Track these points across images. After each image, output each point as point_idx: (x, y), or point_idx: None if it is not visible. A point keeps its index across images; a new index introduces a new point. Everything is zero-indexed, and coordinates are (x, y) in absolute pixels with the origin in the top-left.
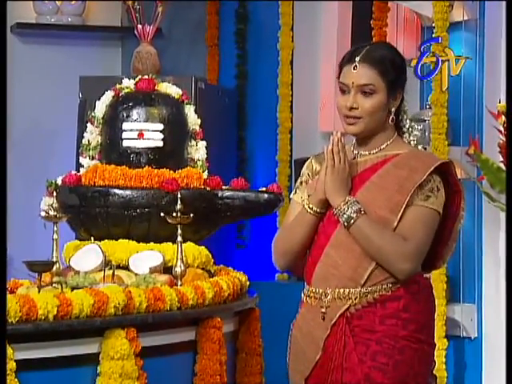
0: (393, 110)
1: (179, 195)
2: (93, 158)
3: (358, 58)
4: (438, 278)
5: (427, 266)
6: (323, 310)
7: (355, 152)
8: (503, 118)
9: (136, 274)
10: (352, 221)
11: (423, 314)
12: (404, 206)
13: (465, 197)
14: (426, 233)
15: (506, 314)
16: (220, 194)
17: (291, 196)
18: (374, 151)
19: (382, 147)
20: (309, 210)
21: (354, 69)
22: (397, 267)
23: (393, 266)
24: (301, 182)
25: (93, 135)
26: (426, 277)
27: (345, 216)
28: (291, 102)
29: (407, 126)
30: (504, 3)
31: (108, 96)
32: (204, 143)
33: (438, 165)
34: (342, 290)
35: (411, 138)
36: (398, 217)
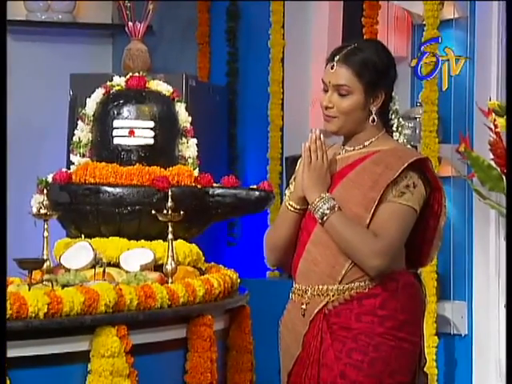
0: (373, 110)
1: (170, 193)
2: (83, 156)
3: (336, 58)
4: (428, 276)
5: (414, 263)
6: (303, 306)
7: (341, 148)
8: (493, 115)
9: (127, 272)
10: (325, 217)
11: (403, 311)
12: (376, 202)
13: (445, 194)
14: (398, 229)
15: (506, 314)
16: (211, 192)
17: (285, 192)
18: (358, 148)
19: (366, 144)
20: (289, 208)
21: (331, 68)
22: (367, 264)
23: (363, 263)
24: (294, 178)
25: (83, 133)
26: (410, 274)
27: (319, 212)
28: (282, 99)
29: (396, 125)
30: (495, 3)
31: (99, 93)
32: (195, 141)
33: (416, 162)
34: (320, 287)
35: (401, 137)
36: (371, 213)
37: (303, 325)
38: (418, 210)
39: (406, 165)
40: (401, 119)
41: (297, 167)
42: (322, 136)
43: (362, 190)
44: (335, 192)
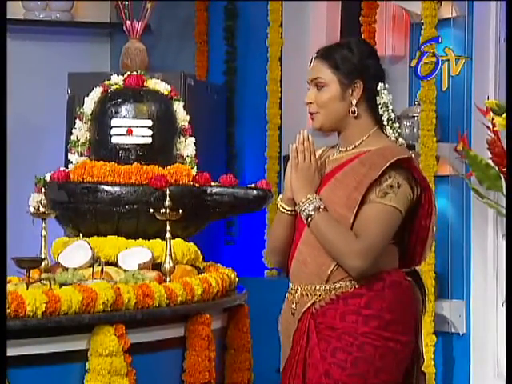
0: (353, 101)
1: (168, 192)
2: (81, 155)
3: (314, 56)
4: (426, 275)
5: (408, 262)
6: (293, 305)
7: (336, 149)
8: (491, 114)
9: (125, 271)
10: (310, 218)
11: (389, 310)
12: (358, 202)
13: (433, 193)
14: (380, 230)
15: (506, 312)
16: (209, 191)
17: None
18: (350, 148)
19: (357, 143)
20: (281, 209)
21: (310, 65)
22: (347, 264)
23: (344, 264)
24: None
25: (81, 131)
26: (399, 273)
27: (304, 213)
28: (280, 98)
29: (386, 119)
30: (493, 2)
31: (97, 92)
32: (193, 139)
33: (397, 161)
34: (309, 286)
35: (391, 131)
36: (354, 214)
37: (293, 324)
38: (403, 210)
39: (387, 165)
40: (391, 113)
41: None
42: (310, 137)
43: (347, 191)
44: (322, 193)
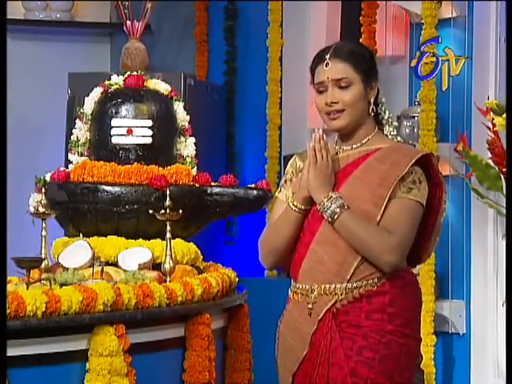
0: (371, 100)
1: (168, 192)
2: (81, 155)
3: (328, 56)
4: (426, 275)
5: (412, 259)
6: (310, 306)
7: (337, 148)
8: (491, 114)
9: (125, 271)
10: (336, 216)
11: (409, 309)
12: (387, 199)
13: (446, 189)
14: (409, 224)
15: (506, 312)
16: (209, 191)
17: (276, 194)
18: (356, 146)
19: (363, 141)
20: (294, 208)
21: (326, 66)
22: (382, 260)
23: (378, 259)
24: (285, 181)
25: (81, 131)
26: (412, 272)
27: (328, 212)
28: (280, 98)
29: (386, 117)
30: (493, 2)
31: (97, 92)
32: (193, 139)
33: (421, 158)
34: (328, 286)
35: (391, 128)
36: (382, 210)
37: (309, 324)
38: (424, 204)
39: (413, 161)
40: (387, 111)
41: (287, 168)
42: (324, 136)
43: (370, 188)
44: (341, 190)
